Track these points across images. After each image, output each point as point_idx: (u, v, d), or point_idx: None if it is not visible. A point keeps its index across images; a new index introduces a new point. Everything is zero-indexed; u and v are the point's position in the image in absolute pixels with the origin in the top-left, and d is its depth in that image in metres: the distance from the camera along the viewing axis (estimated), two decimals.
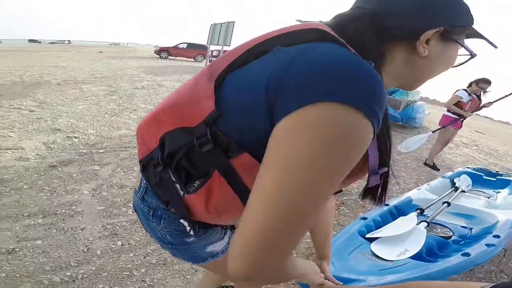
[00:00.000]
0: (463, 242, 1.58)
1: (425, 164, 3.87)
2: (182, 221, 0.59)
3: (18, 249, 1.52)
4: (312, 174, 0.35)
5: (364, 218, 1.65)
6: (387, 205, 1.85)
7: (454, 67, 0.55)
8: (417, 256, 1.33)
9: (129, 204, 2.05)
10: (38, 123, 3.32)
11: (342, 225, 2.14)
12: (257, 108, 0.40)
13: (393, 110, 5.85)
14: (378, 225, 1.65)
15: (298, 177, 0.35)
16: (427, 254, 1.40)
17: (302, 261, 0.65)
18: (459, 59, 0.55)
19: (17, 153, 2.56)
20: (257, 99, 0.40)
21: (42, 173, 2.29)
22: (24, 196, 1.98)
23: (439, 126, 3.69)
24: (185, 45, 16.39)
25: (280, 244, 0.37)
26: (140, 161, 0.58)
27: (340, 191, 0.63)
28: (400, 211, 1.85)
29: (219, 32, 9.24)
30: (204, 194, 0.49)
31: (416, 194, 2.08)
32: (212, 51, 12.46)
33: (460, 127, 3.79)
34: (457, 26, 0.49)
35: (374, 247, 1.38)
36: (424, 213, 1.75)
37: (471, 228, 1.74)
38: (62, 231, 1.71)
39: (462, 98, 3.47)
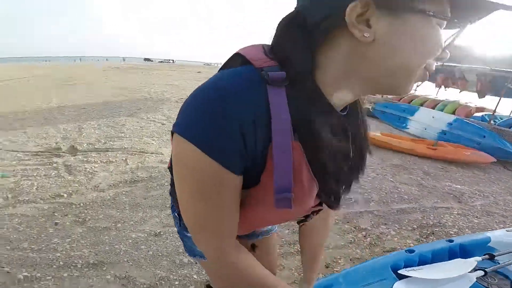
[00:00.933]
0: None
1: None
2: (175, 214, 0.71)
3: (162, 233, 1.99)
4: (183, 197, 0.44)
5: (411, 251, 1.38)
6: (451, 241, 1.52)
7: (443, 47, 0.39)
8: None
9: None
10: (169, 134, 4.17)
11: None
12: None
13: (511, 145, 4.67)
14: (425, 261, 1.35)
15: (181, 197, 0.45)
16: None
17: None
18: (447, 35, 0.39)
19: (158, 157, 3.32)
20: None
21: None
22: (166, 191, 2.57)
23: None
24: None
25: (198, 229, 0.47)
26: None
27: (305, 218, 0.62)
28: (464, 252, 1.48)
29: None
30: None
31: (501, 235, 1.62)
32: None
33: None
34: None
35: (397, 286, 1.17)
36: (495, 259, 1.39)
37: None
38: None
39: None
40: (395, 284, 1.17)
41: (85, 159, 3.11)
